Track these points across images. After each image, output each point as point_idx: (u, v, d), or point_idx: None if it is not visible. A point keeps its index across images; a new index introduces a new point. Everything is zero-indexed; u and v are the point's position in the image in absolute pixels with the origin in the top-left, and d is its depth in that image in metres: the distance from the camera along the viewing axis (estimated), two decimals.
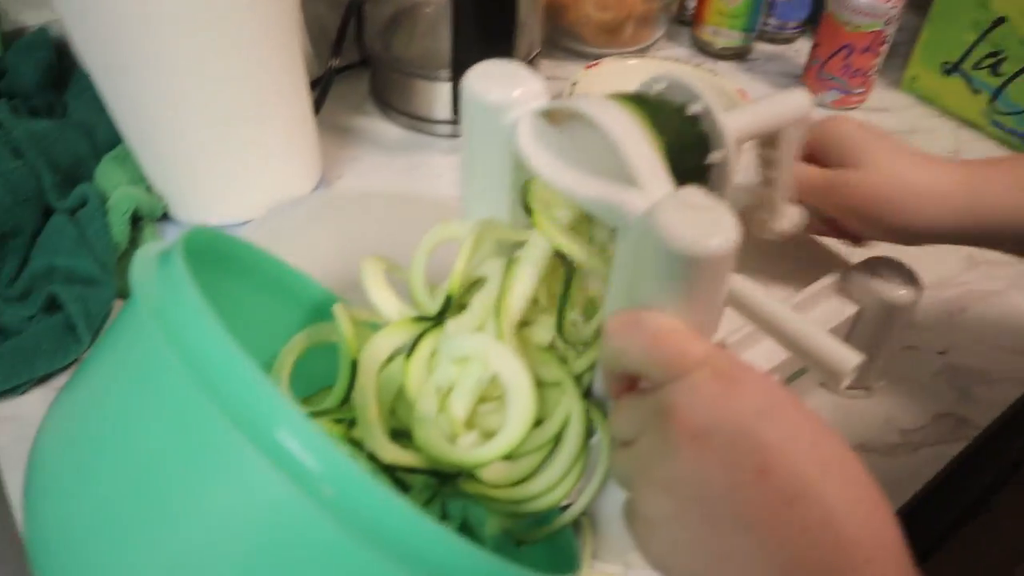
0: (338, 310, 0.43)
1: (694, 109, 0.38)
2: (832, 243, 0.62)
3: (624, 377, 0.34)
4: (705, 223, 0.30)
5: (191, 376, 0.28)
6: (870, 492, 0.29)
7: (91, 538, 0.29)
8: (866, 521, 0.28)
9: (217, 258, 0.41)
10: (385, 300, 0.44)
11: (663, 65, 0.93)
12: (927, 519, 0.61)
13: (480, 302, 0.41)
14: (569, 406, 0.40)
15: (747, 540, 0.28)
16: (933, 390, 0.65)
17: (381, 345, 0.42)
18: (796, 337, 0.39)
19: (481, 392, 0.40)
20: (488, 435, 0.40)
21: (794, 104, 0.46)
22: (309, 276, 0.49)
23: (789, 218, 0.56)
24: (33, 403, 0.60)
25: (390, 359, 0.43)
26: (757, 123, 0.44)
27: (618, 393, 0.35)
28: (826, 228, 0.60)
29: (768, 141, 0.48)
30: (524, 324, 0.42)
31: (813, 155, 0.56)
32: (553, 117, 0.37)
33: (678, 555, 0.30)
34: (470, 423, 0.41)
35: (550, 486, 0.39)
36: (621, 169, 0.33)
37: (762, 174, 0.53)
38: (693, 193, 0.31)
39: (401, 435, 0.43)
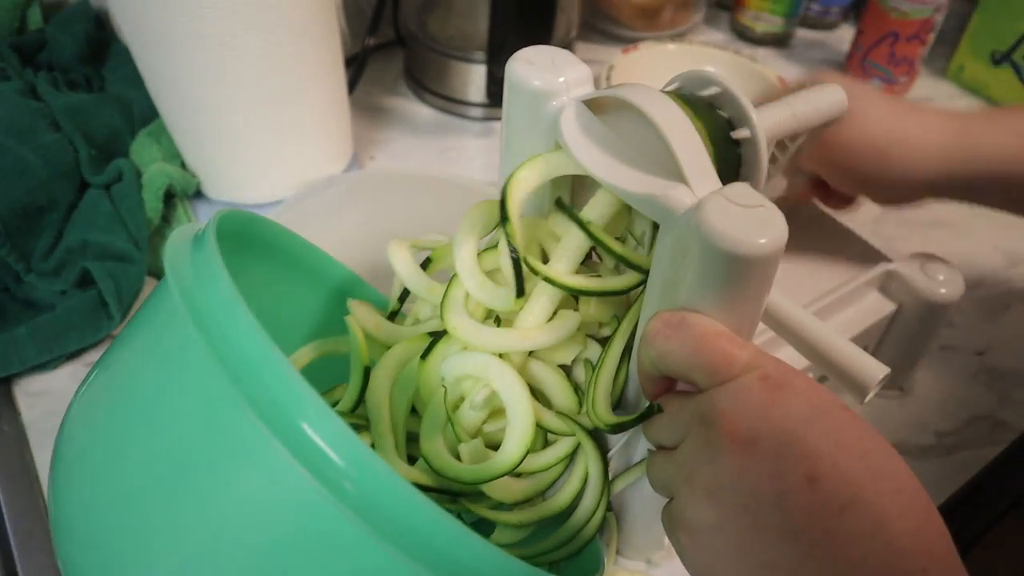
0: (350, 321, 0.43)
1: (711, 91, 0.37)
2: (872, 238, 0.60)
3: (662, 378, 0.34)
4: (753, 221, 0.29)
5: (219, 364, 0.28)
6: (921, 500, 0.28)
7: (114, 521, 0.29)
8: (918, 530, 0.27)
9: (248, 239, 0.41)
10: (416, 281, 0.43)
11: (701, 50, 0.91)
12: (960, 523, 0.60)
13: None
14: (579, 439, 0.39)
15: (795, 549, 0.27)
16: (970, 391, 0.64)
17: (395, 359, 0.42)
18: (818, 346, 0.37)
19: (491, 407, 0.40)
20: (495, 449, 0.40)
21: (831, 102, 0.44)
22: (338, 261, 0.49)
23: (771, 187, 0.53)
24: (63, 379, 0.60)
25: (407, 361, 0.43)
26: (790, 123, 0.42)
27: (655, 395, 0.34)
28: (813, 192, 0.58)
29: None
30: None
31: None
32: (597, 105, 0.36)
33: (721, 564, 0.30)
34: (476, 435, 0.41)
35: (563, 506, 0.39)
36: (667, 162, 0.33)
37: None
38: (741, 190, 0.30)
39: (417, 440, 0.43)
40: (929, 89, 0.99)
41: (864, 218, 0.79)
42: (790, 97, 0.41)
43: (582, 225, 0.36)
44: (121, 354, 0.33)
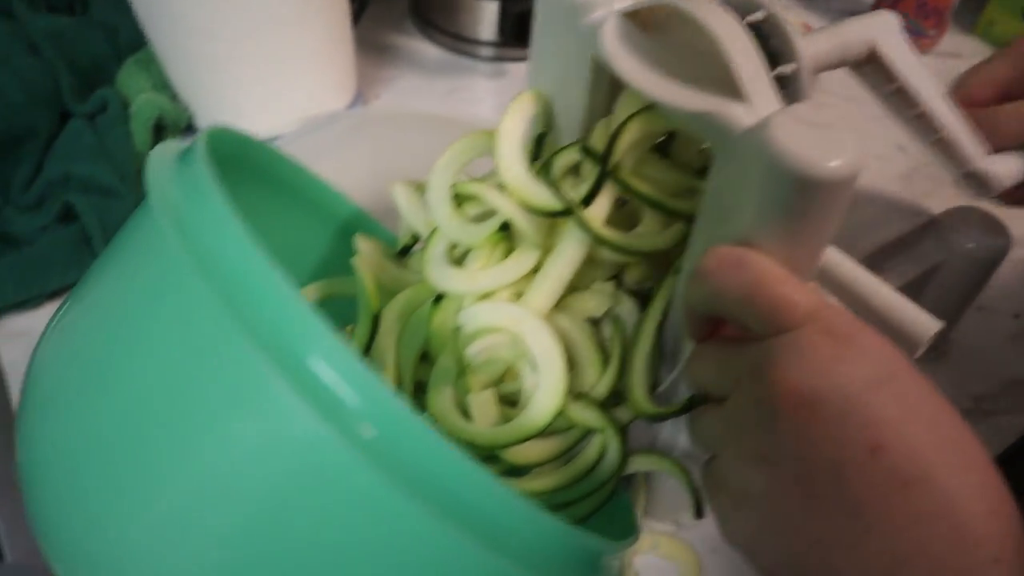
0: (358, 263, 0.39)
1: (755, 17, 0.32)
2: (914, 190, 0.57)
3: (710, 320, 0.30)
4: (826, 142, 0.25)
5: (212, 291, 0.24)
6: (993, 479, 0.25)
7: (90, 467, 0.26)
8: (991, 513, 0.24)
9: (242, 164, 0.37)
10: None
11: None
12: None
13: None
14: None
15: (854, 525, 0.25)
16: (1007, 355, 0.61)
17: (404, 304, 0.39)
18: (865, 296, 0.33)
19: (507, 363, 0.37)
20: (506, 400, 0.37)
21: (880, 25, 0.39)
22: (343, 194, 0.45)
23: (1002, 170, 0.42)
24: (45, 318, 0.55)
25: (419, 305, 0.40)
26: (836, 45, 0.37)
27: (701, 337, 0.31)
28: None
29: (882, 78, 0.40)
30: (572, 290, 0.37)
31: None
32: (642, 20, 0.32)
33: (769, 536, 0.27)
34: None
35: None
36: (723, 81, 0.29)
37: (916, 131, 0.41)
38: (810, 109, 0.26)
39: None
40: (957, 44, 0.95)
41: (892, 173, 0.75)
42: (836, 26, 0.36)
43: (604, 168, 0.32)
44: (97, 282, 0.29)
